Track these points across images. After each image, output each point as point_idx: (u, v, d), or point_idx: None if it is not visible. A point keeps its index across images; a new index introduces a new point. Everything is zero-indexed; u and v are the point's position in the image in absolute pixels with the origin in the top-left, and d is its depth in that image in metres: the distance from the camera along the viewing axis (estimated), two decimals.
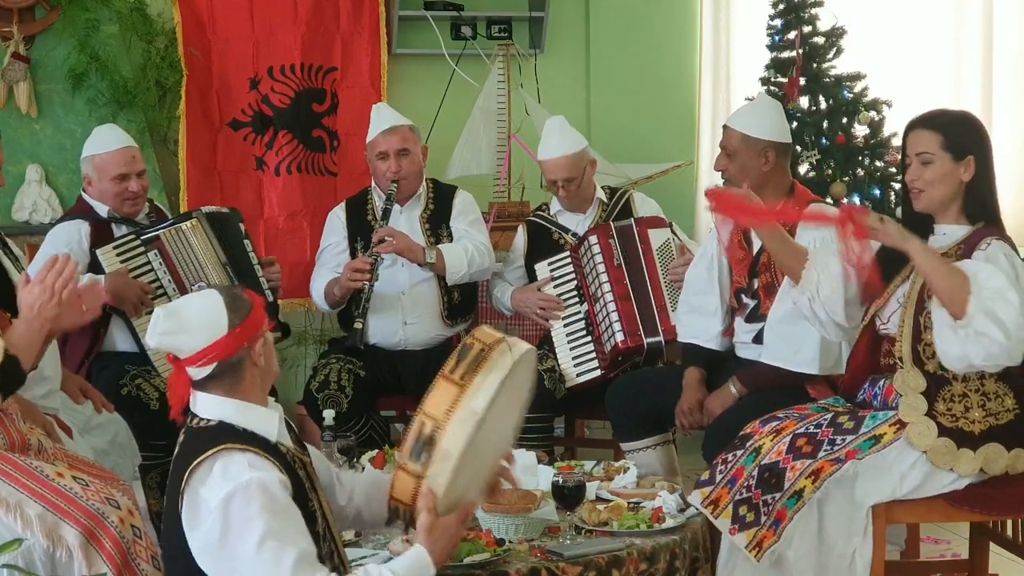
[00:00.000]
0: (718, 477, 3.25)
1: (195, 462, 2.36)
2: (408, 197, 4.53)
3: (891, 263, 3.24)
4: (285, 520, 2.32)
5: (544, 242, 4.62)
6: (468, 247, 4.42)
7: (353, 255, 4.51)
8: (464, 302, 4.57)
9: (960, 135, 3.20)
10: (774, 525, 3.11)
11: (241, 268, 4.30)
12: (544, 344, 4.51)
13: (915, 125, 3.25)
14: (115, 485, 2.96)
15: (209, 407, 2.44)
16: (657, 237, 4.44)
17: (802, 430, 3.20)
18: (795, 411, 3.35)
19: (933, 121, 3.23)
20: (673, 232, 4.51)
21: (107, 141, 4.26)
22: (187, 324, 2.40)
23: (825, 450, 3.14)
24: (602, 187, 4.69)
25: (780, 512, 3.11)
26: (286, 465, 2.41)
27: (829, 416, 3.25)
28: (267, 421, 2.44)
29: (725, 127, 3.95)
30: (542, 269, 4.55)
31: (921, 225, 3.23)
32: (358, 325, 4.33)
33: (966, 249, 3.13)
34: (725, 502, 3.19)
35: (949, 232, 3.21)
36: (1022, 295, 2.99)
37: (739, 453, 3.25)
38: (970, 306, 2.98)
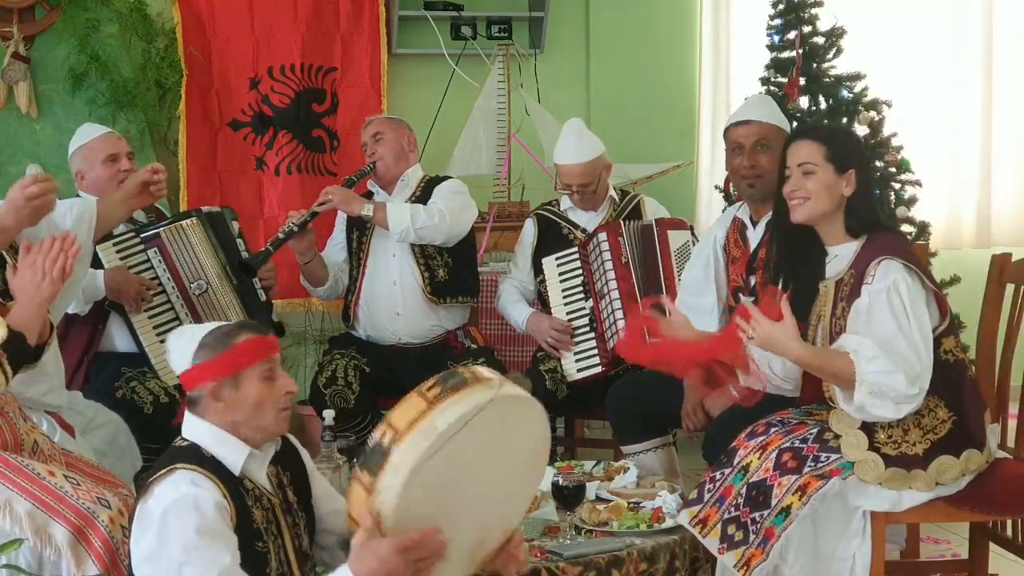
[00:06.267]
0: (706, 496, 3.20)
1: (150, 479, 2.41)
2: (390, 182, 4.60)
3: (800, 303, 3.19)
4: (211, 540, 2.31)
5: (553, 237, 4.61)
6: (417, 206, 4.42)
7: (349, 246, 4.62)
8: (451, 281, 4.54)
9: (843, 147, 3.19)
10: (762, 543, 3.06)
11: (236, 268, 4.30)
12: None
13: (797, 136, 3.26)
14: (108, 486, 2.93)
15: (189, 427, 2.52)
16: (676, 239, 4.43)
17: (787, 444, 3.16)
18: (777, 417, 3.29)
19: (816, 132, 3.27)
20: (693, 235, 4.51)
21: (89, 132, 4.28)
22: (171, 349, 2.54)
23: (810, 466, 3.10)
24: (613, 187, 4.69)
25: (768, 530, 3.07)
26: (239, 499, 2.41)
27: (816, 430, 3.19)
28: (236, 454, 2.47)
29: (748, 121, 3.82)
30: (549, 264, 4.53)
31: (804, 243, 3.23)
32: (268, 248, 4.35)
33: (856, 275, 3.10)
34: (714, 521, 3.14)
35: (840, 253, 3.20)
36: (907, 343, 2.97)
37: (727, 472, 3.21)
38: (857, 395, 3.01)
